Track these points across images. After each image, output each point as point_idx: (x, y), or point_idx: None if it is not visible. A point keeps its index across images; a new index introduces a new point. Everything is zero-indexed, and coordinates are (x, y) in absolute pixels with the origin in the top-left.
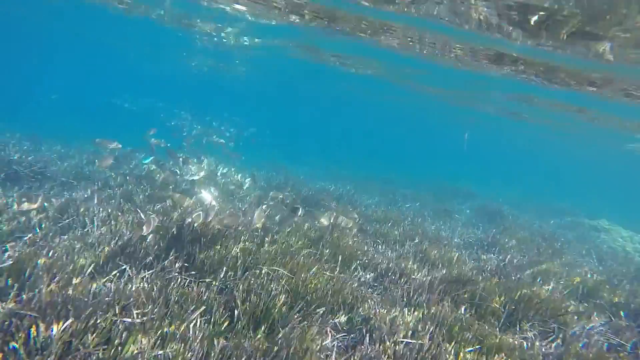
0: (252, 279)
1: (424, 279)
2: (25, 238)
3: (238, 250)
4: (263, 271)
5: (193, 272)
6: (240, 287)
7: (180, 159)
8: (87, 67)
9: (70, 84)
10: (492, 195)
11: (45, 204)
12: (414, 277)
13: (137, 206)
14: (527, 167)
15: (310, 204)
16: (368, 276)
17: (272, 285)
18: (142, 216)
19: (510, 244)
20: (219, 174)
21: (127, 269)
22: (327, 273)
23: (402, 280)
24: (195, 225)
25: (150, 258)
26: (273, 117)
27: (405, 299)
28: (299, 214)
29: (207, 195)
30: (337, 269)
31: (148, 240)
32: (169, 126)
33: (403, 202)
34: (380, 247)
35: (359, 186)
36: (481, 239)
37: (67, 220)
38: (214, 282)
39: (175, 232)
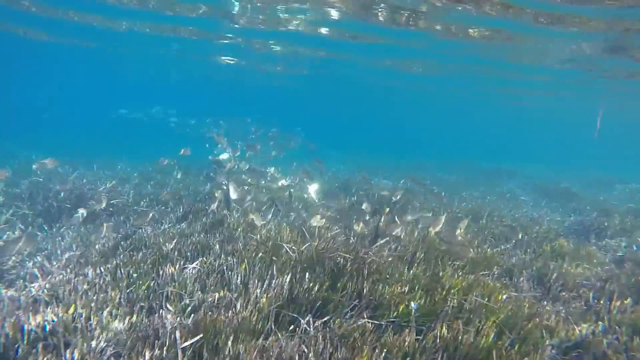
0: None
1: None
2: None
3: (405, 278)
4: (448, 300)
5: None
6: (438, 326)
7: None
8: (95, 79)
9: (76, 100)
10: (531, 173)
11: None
12: (576, 280)
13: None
14: (550, 138)
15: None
16: (524, 285)
17: (475, 320)
18: (290, 252)
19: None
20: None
21: (304, 324)
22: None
23: (562, 286)
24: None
25: (319, 303)
26: (294, 110)
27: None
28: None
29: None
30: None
31: (306, 279)
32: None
33: (458, 189)
34: (498, 245)
35: (398, 176)
36: (581, 222)
37: (198, 262)
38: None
39: (334, 268)
